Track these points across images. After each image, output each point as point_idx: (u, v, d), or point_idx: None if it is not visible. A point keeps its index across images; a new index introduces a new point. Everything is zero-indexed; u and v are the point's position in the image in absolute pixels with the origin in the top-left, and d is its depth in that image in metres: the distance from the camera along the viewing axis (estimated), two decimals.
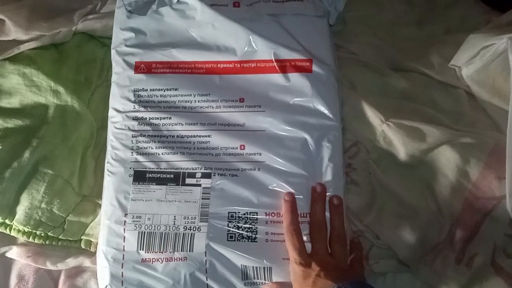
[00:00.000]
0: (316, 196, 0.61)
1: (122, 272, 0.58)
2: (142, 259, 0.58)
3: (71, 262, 0.64)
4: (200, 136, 0.64)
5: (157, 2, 0.70)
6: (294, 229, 0.58)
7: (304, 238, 0.58)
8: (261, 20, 0.68)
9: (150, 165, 0.63)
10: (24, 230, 0.64)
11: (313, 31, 0.70)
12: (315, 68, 0.66)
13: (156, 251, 0.59)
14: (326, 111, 0.64)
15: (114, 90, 0.67)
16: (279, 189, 0.61)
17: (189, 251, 0.58)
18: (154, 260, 0.58)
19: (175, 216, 0.60)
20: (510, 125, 0.61)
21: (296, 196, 0.61)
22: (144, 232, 0.59)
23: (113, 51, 0.69)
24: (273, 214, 0.60)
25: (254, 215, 0.60)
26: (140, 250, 0.59)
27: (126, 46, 0.69)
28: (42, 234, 0.64)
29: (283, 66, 0.66)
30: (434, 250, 0.63)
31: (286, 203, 0.60)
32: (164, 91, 0.66)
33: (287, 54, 0.67)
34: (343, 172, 0.64)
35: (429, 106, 0.71)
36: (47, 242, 0.64)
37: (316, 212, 0.60)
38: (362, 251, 0.63)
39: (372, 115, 0.68)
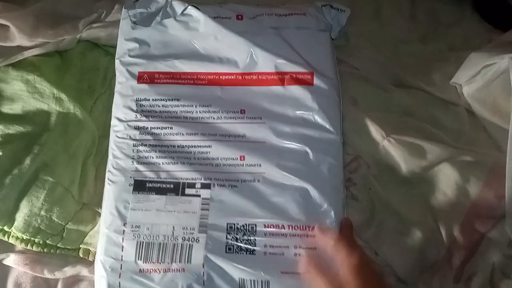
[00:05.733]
0: (344, 225, 0.60)
1: (119, 282, 0.58)
2: (140, 269, 0.58)
3: (69, 271, 0.63)
4: (200, 147, 0.64)
5: (161, 13, 0.71)
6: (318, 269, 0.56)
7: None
8: (263, 33, 0.69)
9: (150, 175, 0.62)
10: (23, 238, 0.63)
11: (315, 44, 0.70)
12: (316, 81, 0.66)
13: (154, 261, 0.58)
14: (327, 125, 0.64)
15: (117, 100, 0.68)
16: (278, 201, 0.61)
17: (187, 263, 0.58)
18: (151, 270, 0.58)
19: (173, 227, 0.60)
20: (510, 144, 0.61)
21: (295, 210, 0.60)
22: (143, 242, 0.59)
23: (117, 61, 0.70)
24: (272, 226, 0.59)
25: (253, 227, 0.59)
26: (138, 260, 0.58)
27: (130, 56, 0.69)
28: (41, 242, 0.64)
29: (285, 79, 0.67)
30: (432, 268, 0.63)
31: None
32: (166, 101, 0.66)
33: (288, 67, 0.67)
34: (343, 186, 0.64)
35: (430, 123, 0.71)
36: (45, 250, 0.64)
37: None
38: None
39: (374, 131, 0.68)
